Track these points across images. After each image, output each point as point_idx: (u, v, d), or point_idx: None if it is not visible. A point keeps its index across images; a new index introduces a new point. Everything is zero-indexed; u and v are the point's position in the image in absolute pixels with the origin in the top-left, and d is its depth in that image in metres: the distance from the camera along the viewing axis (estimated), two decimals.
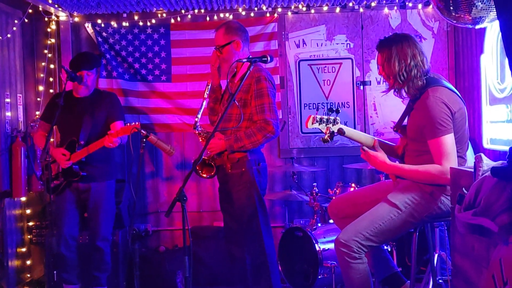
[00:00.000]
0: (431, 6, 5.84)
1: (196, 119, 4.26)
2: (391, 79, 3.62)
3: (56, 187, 4.89)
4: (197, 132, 4.29)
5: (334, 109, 3.68)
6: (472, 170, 2.82)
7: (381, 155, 3.62)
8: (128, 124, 4.64)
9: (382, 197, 3.67)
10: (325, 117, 3.70)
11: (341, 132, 3.70)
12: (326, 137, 3.70)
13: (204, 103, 4.30)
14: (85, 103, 4.97)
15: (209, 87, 4.32)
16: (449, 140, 3.39)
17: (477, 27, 3.49)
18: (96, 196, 4.92)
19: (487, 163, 2.73)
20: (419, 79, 3.54)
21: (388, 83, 3.70)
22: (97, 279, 4.98)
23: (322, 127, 3.70)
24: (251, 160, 4.21)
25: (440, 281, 3.80)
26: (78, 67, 4.92)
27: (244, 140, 4.11)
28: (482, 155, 2.75)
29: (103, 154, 4.88)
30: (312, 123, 3.70)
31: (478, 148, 5.00)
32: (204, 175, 4.32)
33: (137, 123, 4.59)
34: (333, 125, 3.70)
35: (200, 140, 4.37)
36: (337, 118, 3.71)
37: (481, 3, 3.27)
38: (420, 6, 5.87)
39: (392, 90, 3.69)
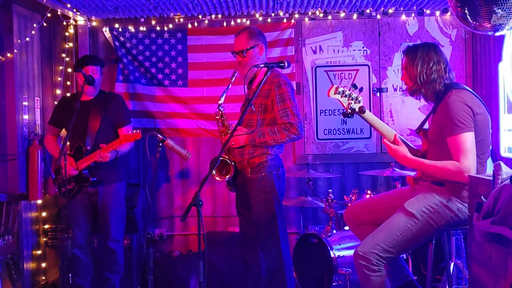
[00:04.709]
0: (449, 13, 5.81)
1: (220, 102, 4.33)
2: (411, 81, 3.61)
3: (69, 192, 4.90)
4: (219, 112, 4.32)
5: (357, 86, 3.65)
6: (491, 178, 2.80)
7: (402, 149, 3.60)
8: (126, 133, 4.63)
9: (398, 204, 3.65)
10: (348, 91, 3.65)
11: (362, 110, 3.64)
12: (347, 111, 3.64)
13: (230, 86, 4.34)
14: (89, 107, 4.96)
15: (236, 74, 4.35)
16: (468, 137, 3.37)
17: (497, 34, 3.47)
18: (105, 199, 4.93)
19: (506, 171, 2.70)
20: (438, 84, 3.55)
21: (407, 86, 3.70)
22: (109, 281, 4.98)
23: (344, 100, 3.64)
24: (271, 165, 4.23)
25: None
26: (82, 65, 4.95)
27: (267, 136, 4.14)
28: (501, 163, 2.73)
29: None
30: (334, 93, 3.63)
31: (495, 156, 4.96)
32: (218, 179, 4.32)
33: (160, 136, 4.50)
34: (354, 102, 3.65)
35: (218, 127, 4.40)
36: (360, 97, 3.67)
37: (501, 10, 3.24)
38: (438, 13, 5.84)
39: (408, 93, 3.70)
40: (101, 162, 4.76)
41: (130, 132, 4.67)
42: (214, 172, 4.28)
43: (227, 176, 4.29)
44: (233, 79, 4.35)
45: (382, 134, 3.73)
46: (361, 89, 3.67)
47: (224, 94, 4.35)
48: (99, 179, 4.90)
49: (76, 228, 4.92)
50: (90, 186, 4.90)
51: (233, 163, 4.26)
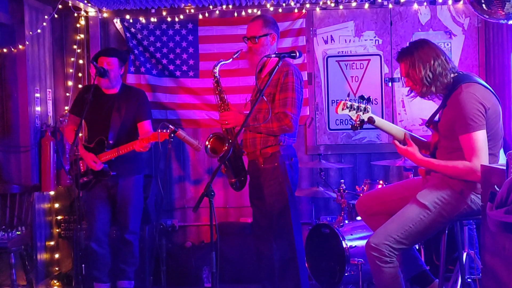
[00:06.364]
0: (461, 2, 5.77)
1: (215, 70, 4.35)
2: (418, 84, 3.57)
3: (86, 184, 4.92)
4: (215, 79, 4.33)
5: (365, 97, 3.65)
6: (504, 167, 2.78)
7: (411, 149, 3.58)
8: (160, 131, 4.50)
9: (410, 194, 3.64)
10: (356, 104, 3.65)
11: (371, 120, 3.65)
12: (356, 124, 3.65)
13: (230, 60, 4.37)
14: (113, 101, 4.96)
15: (239, 52, 4.33)
16: (480, 136, 3.34)
17: (510, 22, 3.44)
18: (124, 191, 4.94)
19: None
20: (445, 77, 3.51)
21: (415, 91, 3.65)
22: (124, 272, 5.01)
23: (352, 114, 3.65)
24: (284, 155, 4.22)
25: (468, 280, 3.76)
26: (96, 57, 4.97)
27: (260, 121, 4.12)
28: None
29: (130, 151, 4.87)
30: (342, 109, 3.65)
31: (508, 146, 4.94)
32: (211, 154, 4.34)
33: (168, 131, 4.46)
34: (363, 113, 3.65)
35: (216, 101, 4.41)
36: (368, 106, 3.66)
37: None
38: (450, 1, 5.79)
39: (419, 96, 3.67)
40: (122, 155, 4.77)
41: (162, 131, 4.55)
42: (207, 143, 4.31)
43: (220, 154, 4.28)
44: (235, 55, 4.33)
45: (393, 136, 3.72)
46: (368, 99, 3.66)
47: (222, 63, 4.36)
48: (119, 173, 4.91)
49: (94, 221, 4.94)
50: (110, 179, 4.91)
51: (227, 143, 4.25)
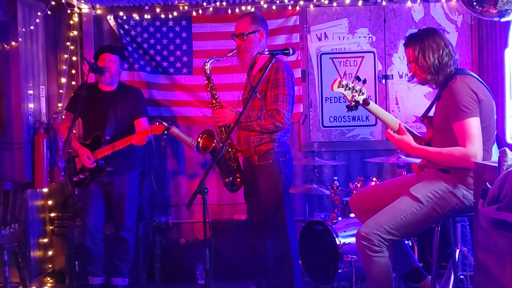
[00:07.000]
0: (454, 0, 5.78)
1: (206, 66, 4.35)
2: (425, 72, 3.58)
3: (82, 181, 4.92)
4: (206, 74, 4.33)
5: (361, 78, 3.64)
6: (496, 164, 2.79)
7: (406, 138, 3.59)
8: (158, 123, 4.49)
9: (404, 191, 3.65)
10: (351, 84, 3.63)
11: (365, 102, 3.63)
12: (351, 104, 3.63)
13: (223, 58, 4.38)
14: (110, 98, 4.99)
15: (234, 51, 4.33)
16: (474, 123, 3.36)
17: (503, 20, 3.46)
18: (120, 188, 4.96)
19: None
20: (449, 67, 3.54)
21: (418, 78, 3.66)
22: (119, 269, 5.03)
23: (348, 93, 3.62)
24: (278, 152, 4.22)
25: (461, 276, 3.77)
26: (100, 52, 5.00)
27: (252, 119, 4.12)
28: (507, 149, 2.73)
29: (127, 147, 4.86)
30: (338, 87, 3.61)
31: (501, 143, 4.95)
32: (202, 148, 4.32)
33: (165, 124, 4.45)
34: (358, 95, 3.64)
35: (208, 97, 4.39)
36: (363, 88, 3.66)
37: None
38: None
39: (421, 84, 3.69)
40: (118, 153, 4.78)
41: (158, 123, 4.56)
42: (199, 140, 4.26)
43: (208, 150, 4.27)
44: (230, 54, 4.33)
45: (387, 124, 3.73)
46: (364, 81, 3.65)
47: (214, 60, 4.36)
48: (115, 169, 4.92)
49: (88, 218, 4.95)
50: (106, 176, 4.92)
51: (215, 140, 4.23)
